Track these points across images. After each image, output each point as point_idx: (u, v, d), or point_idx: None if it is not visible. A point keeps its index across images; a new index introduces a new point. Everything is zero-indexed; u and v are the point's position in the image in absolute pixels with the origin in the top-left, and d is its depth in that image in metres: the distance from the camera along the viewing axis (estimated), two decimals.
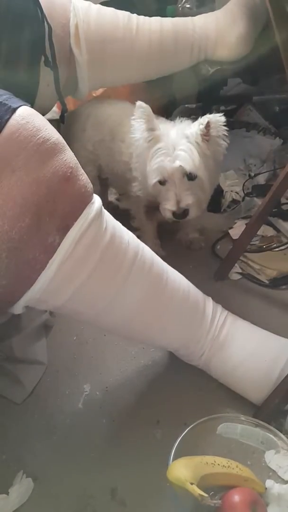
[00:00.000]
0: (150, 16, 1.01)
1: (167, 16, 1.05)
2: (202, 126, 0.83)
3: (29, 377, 0.79)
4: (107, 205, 1.22)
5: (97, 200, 0.57)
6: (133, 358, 0.84)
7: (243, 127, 1.37)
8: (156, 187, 0.88)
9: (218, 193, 1.19)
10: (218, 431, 0.66)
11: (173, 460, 0.60)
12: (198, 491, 0.54)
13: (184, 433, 0.63)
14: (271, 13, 0.74)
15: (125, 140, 0.98)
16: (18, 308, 0.57)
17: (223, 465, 0.61)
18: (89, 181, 0.56)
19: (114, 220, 0.62)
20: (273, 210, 1.02)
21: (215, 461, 0.61)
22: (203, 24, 1.03)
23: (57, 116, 1.06)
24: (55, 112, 1.10)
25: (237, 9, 1.03)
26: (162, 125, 0.88)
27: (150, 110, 0.85)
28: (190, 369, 0.78)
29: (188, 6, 1.18)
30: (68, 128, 1.07)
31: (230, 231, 1.11)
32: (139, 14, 1.00)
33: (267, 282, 0.99)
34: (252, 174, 1.24)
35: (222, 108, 1.45)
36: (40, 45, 0.84)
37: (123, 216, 0.72)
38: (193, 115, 1.36)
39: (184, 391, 0.77)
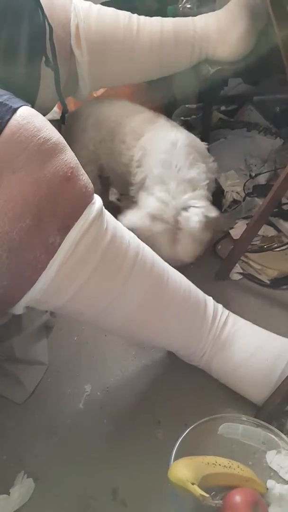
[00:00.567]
0: (151, 16, 1.00)
1: (167, 16, 1.04)
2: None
3: (29, 378, 0.79)
4: (108, 205, 1.22)
5: (97, 200, 0.57)
6: (134, 359, 0.84)
7: (244, 127, 1.37)
8: None
9: (219, 193, 1.19)
10: (219, 431, 0.66)
11: (174, 460, 0.60)
12: (199, 492, 0.54)
13: (185, 434, 0.63)
14: (272, 13, 0.74)
15: (126, 141, 0.97)
16: (19, 309, 0.57)
17: (224, 466, 0.61)
18: (90, 181, 0.56)
19: (115, 220, 0.62)
20: (274, 210, 1.02)
21: (216, 462, 0.61)
22: (203, 24, 1.03)
23: (57, 117, 1.06)
24: (55, 112, 1.10)
25: (237, 9, 1.03)
26: None
27: None
28: (191, 369, 0.78)
29: (188, 6, 1.18)
30: (68, 128, 1.07)
31: (231, 231, 1.11)
32: (139, 14, 1.00)
33: (268, 282, 0.99)
34: (253, 174, 1.24)
35: (223, 108, 1.45)
36: (41, 45, 0.84)
37: None
38: (194, 115, 1.37)
39: (185, 391, 0.77)
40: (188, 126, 1.35)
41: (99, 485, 0.66)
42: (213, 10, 1.08)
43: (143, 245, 0.65)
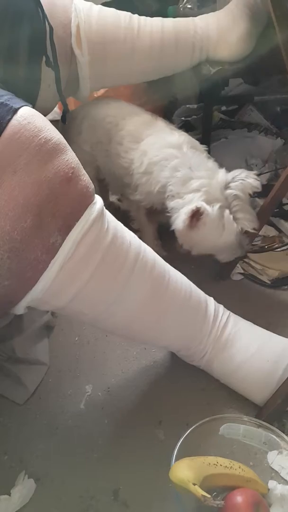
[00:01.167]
0: (151, 16, 1.01)
1: (168, 17, 1.05)
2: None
3: (31, 378, 0.79)
4: (108, 205, 1.21)
5: (98, 201, 0.57)
6: (135, 359, 0.84)
7: (245, 128, 1.37)
8: None
9: None
10: (221, 431, 0.66)
11: (175, 460, 0.60)
12: (200, 492, 0.54)
13: (186, 434, 0.63)
14: (273, 13, 0.74)
15: (123, 143, 0.96)
16: (20, 309, 0.57)
17: (226, 466, 0.61)
18: (91, 181, 0.56)
19: (116, 220, 0.62)
20: (275, 210, 1.02)
21: (217, 462, 0.61)
22: (204, 24, 1.03)
23: (58, 117, 1.06)
24: (56, 113, 1.10)
25: (238, 10, 1.03)
26: None
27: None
28: (192, 369, 0.78)
29: (189, 6, 1.18)
30: (65, 130, 1.06)
31: None
32: (140, 14, 1.00)
33: (269, 282, 0.99)
34: None
35: (224, 108, 1.45)
36: (41, 45, 0.84)
37: (124, 216, 0.72)
38: (194, 115, 1.37)
39: (186, 391, 0.77)
40: (189, 126, 1.35)
41: (100, 486, 0.66)
42: (214, 11, 1.08)
43: (144, 246, 0.65)
